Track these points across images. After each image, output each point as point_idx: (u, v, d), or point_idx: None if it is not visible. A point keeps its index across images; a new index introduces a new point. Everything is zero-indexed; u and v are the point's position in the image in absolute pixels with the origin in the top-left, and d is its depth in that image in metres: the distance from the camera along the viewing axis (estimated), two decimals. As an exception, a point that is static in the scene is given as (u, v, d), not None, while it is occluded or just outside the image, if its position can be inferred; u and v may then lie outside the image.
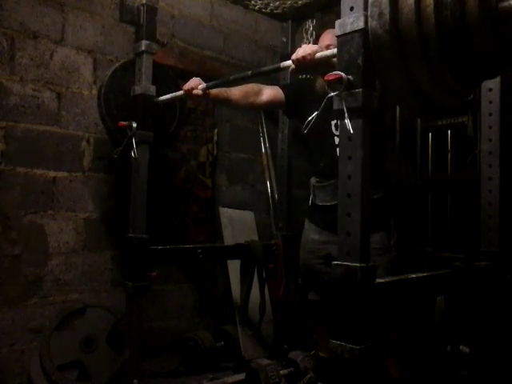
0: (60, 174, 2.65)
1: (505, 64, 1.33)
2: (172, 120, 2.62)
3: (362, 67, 1.31)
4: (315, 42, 2.67)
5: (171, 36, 3.13)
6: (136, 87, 2.32)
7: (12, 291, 2.46)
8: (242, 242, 2.69)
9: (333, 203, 2.00)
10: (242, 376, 2.47)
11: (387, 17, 1.24)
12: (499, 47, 1.24)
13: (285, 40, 2.79)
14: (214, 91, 2.16)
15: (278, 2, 2.61)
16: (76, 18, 2.70)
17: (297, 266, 2.41)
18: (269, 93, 2.26)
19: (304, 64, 1.73)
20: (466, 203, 2.75)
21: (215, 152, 3.43)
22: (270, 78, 2.53)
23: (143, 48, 2.28)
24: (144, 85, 2.29)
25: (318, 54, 1.66)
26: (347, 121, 1.31)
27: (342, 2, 1.38)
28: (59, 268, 2.63)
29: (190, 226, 3.30)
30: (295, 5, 2.62)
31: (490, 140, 2.12)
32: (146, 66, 2.30)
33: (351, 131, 1.30)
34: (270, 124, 3.53)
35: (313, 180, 2.24)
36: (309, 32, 3.32)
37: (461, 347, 2.10)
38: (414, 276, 1.62)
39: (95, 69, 2.78)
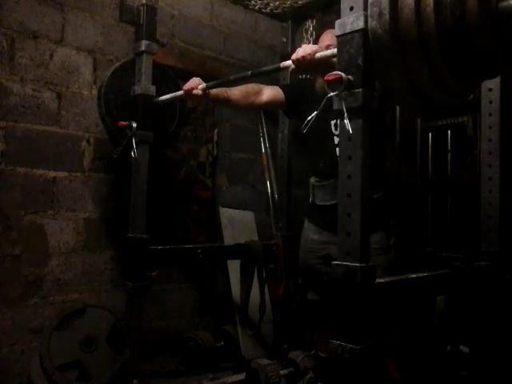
0: (60, 174, 2.65)
1: (505, 64, 1.33)
2: (172, 120, 2.62)
3: (362, 67, 1.31)
4: (315, 42, 2.67)
5: (171, 36, 3.12)
6: (136, 87, 2.32)
7: (12, 291, 2.46)
8: (242, 242, 2.69)
9: (332, 203, 2.00)
10: (241, 376, 2.46)
11: (387, 17, 1.24)
12: (499, 47, 1.24)
13: (285, 40, 2.80)
14: (213, 91, 2.16)
15: (277, 2, 2.62)
16: (76, 18, 2.70)
17: (297, 265, 2.41)
18: (269, 93, 2.26)
19: (304, 64, 1.73)
20: (466, 203, 2.75)
21: (215, 152, 3.43)
22: (270, 77, 2.53)
23: (143, 48, 2.28)
24: (144, 85, 2.29)
25: (318, 54, 1.66)
26: (347, 121, 1.31)
27: (341, 2, 1.38)
28: (59, 268, 2.63)
29: (190, 226, 3.30)
30: (295, 5, 2.62)
31: (490, 140, 2.11)
32: (145, 66, 2.30)
33: (351, 131, 1.31)
34: (270, 124, 3.53)
35: (312, 180, 2.24)
36: (309, 32, 3.33)
37: (461, 347, 2.10)
38: (413, 276, 1.62)
39: (95, 69, 2.78)
